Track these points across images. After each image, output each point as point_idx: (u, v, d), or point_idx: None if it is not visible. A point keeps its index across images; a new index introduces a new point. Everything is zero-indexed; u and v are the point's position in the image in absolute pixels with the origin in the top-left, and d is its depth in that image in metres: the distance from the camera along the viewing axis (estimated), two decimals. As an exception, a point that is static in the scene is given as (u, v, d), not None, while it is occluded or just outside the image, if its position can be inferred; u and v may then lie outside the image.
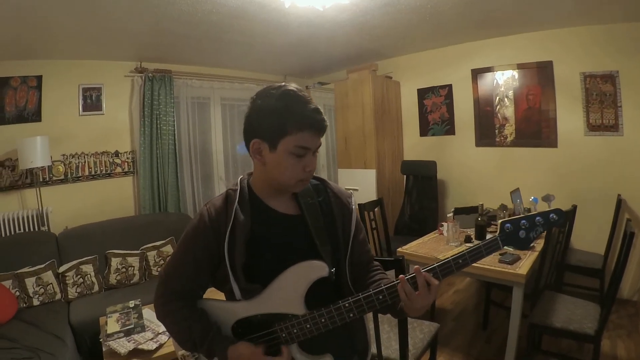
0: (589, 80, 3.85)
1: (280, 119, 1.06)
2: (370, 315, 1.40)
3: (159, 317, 1.20)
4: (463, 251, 1.10)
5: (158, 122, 4.34)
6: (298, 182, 1.14)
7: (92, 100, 4.20)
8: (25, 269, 3.24)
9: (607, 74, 3.73)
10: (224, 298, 1.24)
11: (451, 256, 1.10)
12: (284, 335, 1.13)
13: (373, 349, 1.55)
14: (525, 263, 2.63)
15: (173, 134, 4.45)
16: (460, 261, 1.09)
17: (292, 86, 1.11)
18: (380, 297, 1.09)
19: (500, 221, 1.15)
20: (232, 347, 1.11)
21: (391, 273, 1.41)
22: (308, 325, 1.11)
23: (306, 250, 1.16)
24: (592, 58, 3.80)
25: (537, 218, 1.11)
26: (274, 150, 1.09)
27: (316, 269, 1.11)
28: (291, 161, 1.09)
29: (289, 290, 1.12)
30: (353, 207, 1.30)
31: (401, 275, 1.08)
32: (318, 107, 1.10)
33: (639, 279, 3.78)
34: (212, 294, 1.25)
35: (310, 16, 3.41)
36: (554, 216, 1.10)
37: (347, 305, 1.09)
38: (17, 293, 3.14)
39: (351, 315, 1.10)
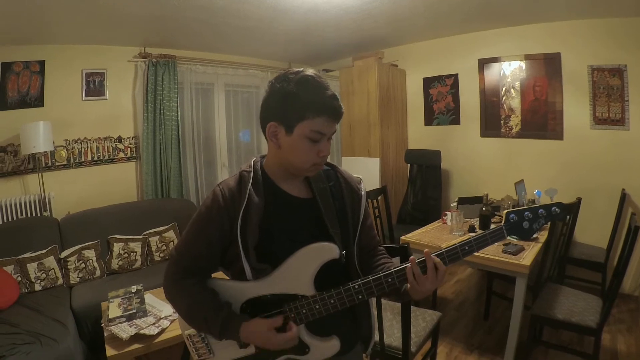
0: (596, 73, 3.81)
1: (298, 103, 1.08)
2: (373, 303, 1.40)
3: (169, 295, 1.21)
4: (469, 238, 1.12)
5: (161, 107, 4.32)
6: (312, 166, 1.16)
7: (95, 86, 4.17)
8: (27, 255, 3.24)
9: (615, 67, 3.69)
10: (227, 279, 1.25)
11: (458, 243, 1.12)
12: (292, 315, 1.15)
13: (376, 337, 1.54)
14: (529, 254, 2.64)
15: (176, 119, 4.43)
16: (467, 248, 1.12)
17: (311, 72, 1.13)
18: (390, 280, 1.12)
19: (505, 211, 1.18)
20: (245, 323, 1.12)
21: (396, 260, 1.42)
22: (317, 306, 1.13)
23: (317, 233, 1.18)
24: (601, 51, 3.76)
25: (540, 210, 1.16)
26: (290, 133, 1.11)
27: (327, 251, 1.12)
28: (306, 145, 1.11)
29: (299, 272, 1.14)
30: (363, 192, 1.32)
31: (412, 257, 1.10)
32: (335, 94, 1.12)
33: (640, 274, 3.77)
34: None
35: (317, 1, 3.38)
36: (556, 209, 1.15)
37: (356, 287, 1.12)
38: (19, 278, 3.14)
39: (360, 297, 1.12)
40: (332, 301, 1.12)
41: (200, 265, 1.19)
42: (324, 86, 1.10)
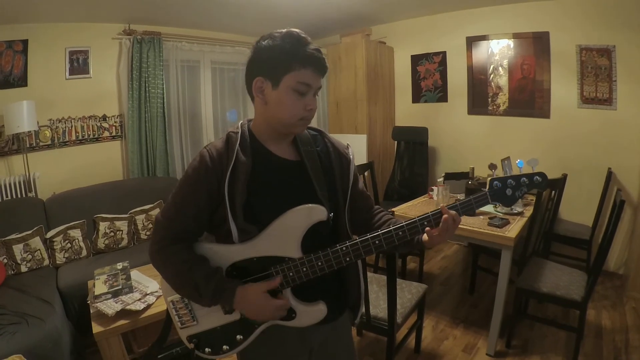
0: (584, 53, 3.80)
1: (284, 55, 1.09)
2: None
3: (156, 262, 1.18)
4: (455, 202, 1.15)
5: (147, 85, 4.24)
6: (299, 120, 1.15)
7: (78, 64, 4.08)
8: (13, 236, 3.20)
9: (604, 47, 3.68)
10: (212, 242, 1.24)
11: (445, 206, 1.14)
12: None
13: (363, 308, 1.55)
14: (515, 227, 2.66)
15: (162, 97, 4.36)
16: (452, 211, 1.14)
17: (295, 29, 1.13)
18: (377, 241, 1.12)
19: (489, 179, 1.20)
20: (241, 287, 1.12)
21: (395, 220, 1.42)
22: (305, 269, 1.13)
23: (305, 194, 1.18)
24: (590, 31, 3.74)
25: (523, 179, 1.20)
26: (276, 87, 1.11)
27: (315, 213, 1.12)
28: (293, 98, 1.11)
29: (286, 234, 1.13)
30: (350, 156, 1.33)
31: (442, 205, 1.14)
32: (319, 48, 1.13)
33: (625, 252, 3.82)
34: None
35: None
36: (538, 178, 1.20)
37: (344, 248, 1.12)
38: (5, 260, 3.11)
39: (347, 258, 1.13)
40: (320, 263, 1.12)
41: (189, 230, 1.17)
42: (308, 40, 1.12)
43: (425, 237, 1.16)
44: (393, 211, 3.01)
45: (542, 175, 1.19)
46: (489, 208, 2.97)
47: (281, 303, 1.14)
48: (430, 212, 1.14)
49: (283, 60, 1.08)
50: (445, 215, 1.12)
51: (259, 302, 1.12)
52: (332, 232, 1.25)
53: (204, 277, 1.10)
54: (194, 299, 1.19)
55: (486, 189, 1.19)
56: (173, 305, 1.24)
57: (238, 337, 1.21)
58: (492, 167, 3.11)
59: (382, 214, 1.38)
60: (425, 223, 1.13)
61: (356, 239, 1.12)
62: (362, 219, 1.36)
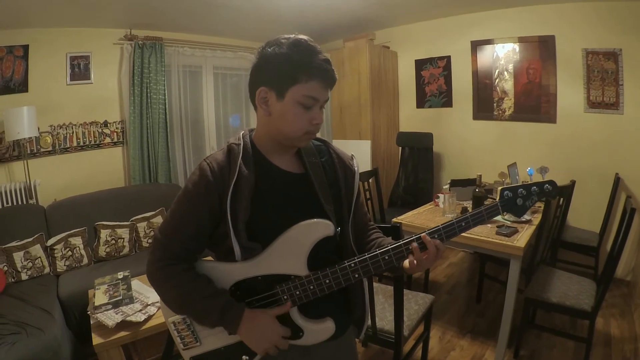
0: (591, 56, 3.76)
1: (290, 66, 1.02)
2: (366, 285, 1.36)
3: (155, 283, 1.11)
4: (466, 214, 1.11)
5: (148, 91, 4.22)
6: (304, 135, 1.09)
7: (80, 69, 4.06)
8: (13, 243, 3.17)
9: (610, 51, 3.64)
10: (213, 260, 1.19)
11: (454, 218, 1.10)
12: (285, 297, 1.10)
13: (368, 321, 1.50)
14: (523, 236, 2.61)
15: (163, 103, 4.34)
16: (463, 224, 1.10)
17: (304, 36, 1.06)
18: (387, 257, 1.08)
19: (500, 188, 1.18)
20: (248, 311, 1.07)
21: (388, 240, 1.38)
22: (312, 287, 1.08)
23: (311, 209, 1.12)
24: (595, 35, 3.70)
25: (533, 188, 1.17)
26: (281, 99, 1.05)
27: (322, 228, 1.07)
28: (298, 112, 1.05)
29: (291, 250, 1.08)
30: (355, 168, 1.28)
31: (414, 245, 1.08)
32: (329, 59, 1.06)
33: (633, 258, 3.77)
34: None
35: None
36: (548, 187, 1.17)
37: (352, 265, 1.08)
38: (6, 268, 3.07)
39: (356, 275, 1.09)
40: (327, 281, 1.08)
41: (190, 248, 1.11)
42: (317, 50, 1.05)
43: (406, 263, 1.12)
44: (400, 222, 2.95)
45: (552, 183, 1.17)
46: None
47: (287, 332, 1.10)
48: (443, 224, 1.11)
49: (289, 71, 1.02)
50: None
51: (266, 328, 1.07)
52: (338, 247, 1.21)
53: (209, 297, 1.06)
54: (198, 320, 1.13)
55: (497, 199, 1.16)
56: (174, 327, 1.18)
57: (244, 357, 1.15)
58: (503, 176, 3.08)
59: (376, 233, 1.35)
60: (436, 236, 1.10)
61: (365, 256, 1.08)
62: (357, 234, 1.30)
